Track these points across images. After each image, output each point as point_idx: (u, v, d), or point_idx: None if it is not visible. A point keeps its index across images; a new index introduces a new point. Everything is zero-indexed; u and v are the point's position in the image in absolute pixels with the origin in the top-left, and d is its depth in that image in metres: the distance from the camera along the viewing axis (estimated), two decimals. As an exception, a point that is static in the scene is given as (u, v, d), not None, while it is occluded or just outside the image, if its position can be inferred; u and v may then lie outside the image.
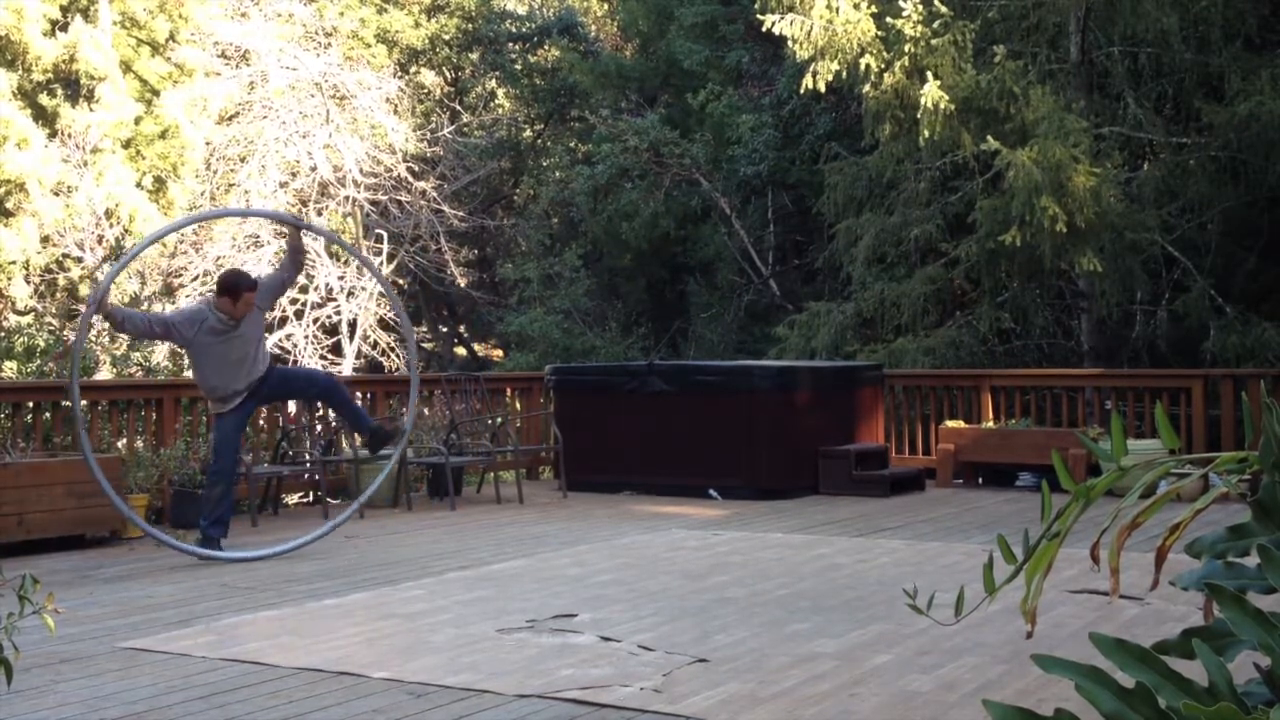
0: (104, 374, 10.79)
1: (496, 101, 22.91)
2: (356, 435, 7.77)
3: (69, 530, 7.52)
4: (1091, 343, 13.52)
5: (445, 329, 22.52)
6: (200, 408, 9.88)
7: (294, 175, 17.35)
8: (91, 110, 16.76)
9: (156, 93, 17.79)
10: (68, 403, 8.57)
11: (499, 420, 11.15)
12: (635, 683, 4.16)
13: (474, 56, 22.20)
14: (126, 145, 17.14)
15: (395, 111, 18.18)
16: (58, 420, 8.47)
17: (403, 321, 8.07)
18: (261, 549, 7.30)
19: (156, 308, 14.28)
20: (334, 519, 7.79)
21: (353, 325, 17.18)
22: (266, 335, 16.26)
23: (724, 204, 18.49)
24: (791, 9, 13.01)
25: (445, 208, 18.14)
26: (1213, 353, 12.18)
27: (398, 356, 18.09)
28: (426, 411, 10.72)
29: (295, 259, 7.63)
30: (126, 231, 16.17)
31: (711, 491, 9.94)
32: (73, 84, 17.32)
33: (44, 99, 17.33)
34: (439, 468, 9.83)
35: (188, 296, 16.19)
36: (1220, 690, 1.57)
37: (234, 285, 7.13)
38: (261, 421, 9.96)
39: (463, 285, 20.05)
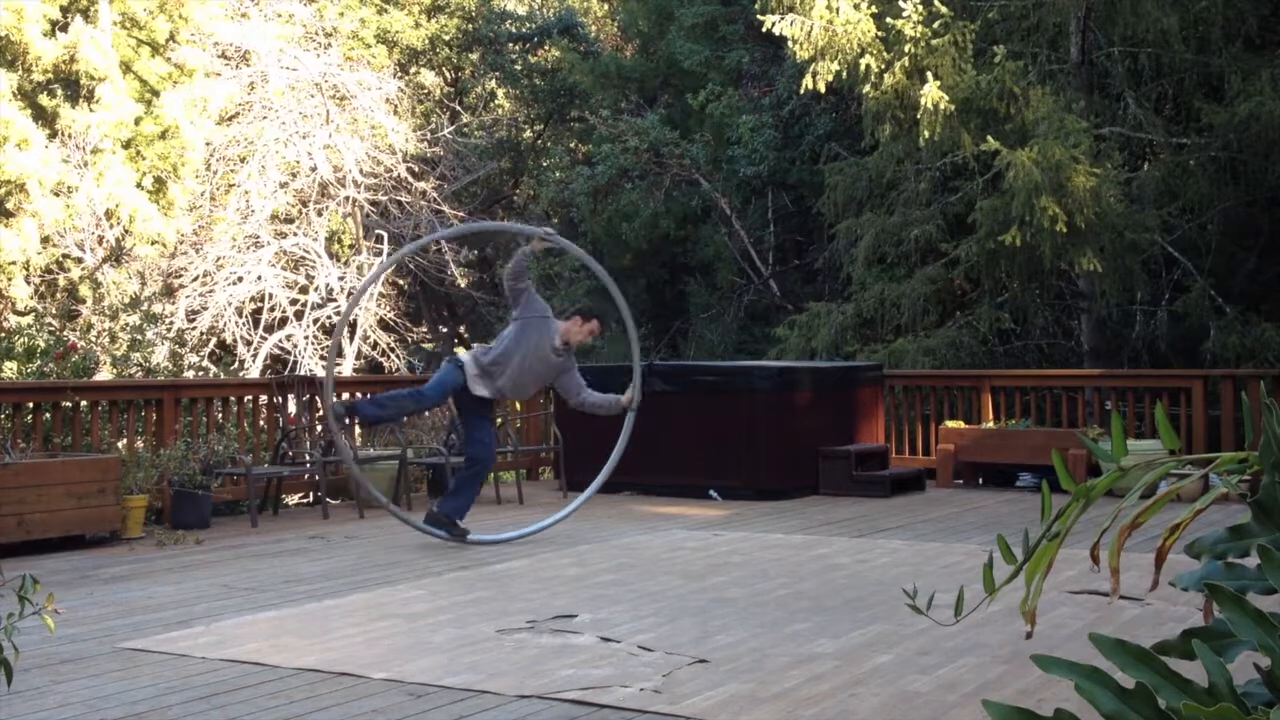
0: (104, 374, 10.78)
1: (496, 102, 22.89)
2: (433, 504, 7.90)
3: (69, 530, 7.53)
4: (1091, 343, 13.51)
5: (445, 329, 22.49)
6: (200, 408, 9.88)
7: (294, 175, 17.35)
8: (91, 110, 16.76)
9: (156, 93, 17.79)
10: (68, 403, 8.60)
11: (499, 420, 11.14)
12: (635, 683, 4.16)
13: (474, 57, 22.19)
14: (126, 145, 17.14)
15: (395, 112, 18.17)
16: (58, 420, 8.46)
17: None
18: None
19: (156, 308, 14.28)
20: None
21: (353, 326, 17.18)
22: (266, 336, 16.38)
23: (724, 204, 18.48)
24: (791, 9, 13.00)
25: (445, 208, 18.13)
26: (1213, 353, 12.18)
27: (398, 357, 18.09)
28: (427, 413, 10.70)
29: (614, 405, 7.90)
30: (127, 232, 16.17)
31: (712, 492, 9.93)
32: (73, 84, 17.32)
33: (44, 99, 17.33)
34: (439, 468, 9.83)
35: (187, 297, 16.21)
36: (1220, 691, 1.57)
37: (591, 314, 7.68)
38: (261, 422, 9.96)
39: (463, 286, 20.05)
